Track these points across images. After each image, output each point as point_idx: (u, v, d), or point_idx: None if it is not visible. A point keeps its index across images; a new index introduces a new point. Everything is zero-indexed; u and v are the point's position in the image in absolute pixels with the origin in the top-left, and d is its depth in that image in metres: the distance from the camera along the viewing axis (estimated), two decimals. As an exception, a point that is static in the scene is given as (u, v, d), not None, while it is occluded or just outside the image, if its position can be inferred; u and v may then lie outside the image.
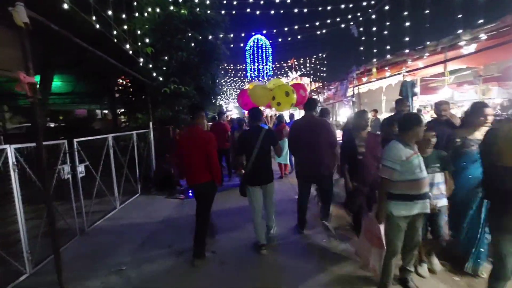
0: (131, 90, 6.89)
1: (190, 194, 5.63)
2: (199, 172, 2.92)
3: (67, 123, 10.34)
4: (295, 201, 3.94)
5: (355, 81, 7.86)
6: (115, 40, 4.41)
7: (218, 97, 9.50)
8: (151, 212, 4.65)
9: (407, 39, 6.68)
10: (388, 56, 6.21)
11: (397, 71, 6.52)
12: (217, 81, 7.14)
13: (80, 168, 3.68)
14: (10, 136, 8.74)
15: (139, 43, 5.04)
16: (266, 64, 31.77)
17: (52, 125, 9.94)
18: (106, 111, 11.38)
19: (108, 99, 8.63)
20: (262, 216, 3.20)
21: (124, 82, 7.62)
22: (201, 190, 3.03)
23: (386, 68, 6.51)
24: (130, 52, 4.52)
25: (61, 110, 11.79)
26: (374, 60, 6.78)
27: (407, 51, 5.64)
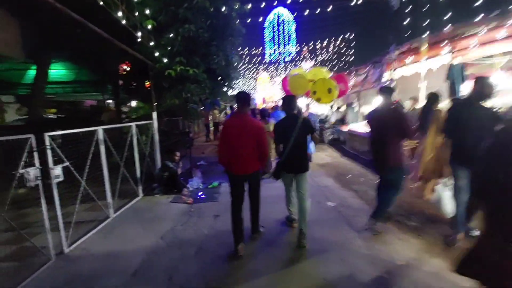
0: (132, 75, 6.00)
1: (202, 196, 4.77)
2: (250, 161, 2.88)
3: (72, 114, 9.66)
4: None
5: (393, 64, 6.63)
6: (107, 10, 3.48)
7: (233, 83, 8.47)
8: (151, 222, 3.78)
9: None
10: (447, 28, 4.95)
11: (453, 49, 5.26)
12: (231, 62, 6.10)
13: (56, 171, 2.81)
14: (10, 128, 8.16)
15: (137, 14, 4.09)
16: (288, 44, 29.30)
17: (54, 116, 9.30)
18: (110, 101, 10.65)
19: (112, 87, 7.83)
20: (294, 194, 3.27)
21: (128, 68, 6.76)
22: (251, 179, 2.99)
23: (442, 45, 5.25)
24: (124, 22, 3.56)
25: (68, 100, 11.16)
26: (425, 34, 5.51)
27: (479, 18, 4.39)
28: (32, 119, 6.71)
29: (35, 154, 2.57)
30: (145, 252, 2.99)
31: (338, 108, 10.68)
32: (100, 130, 3.57)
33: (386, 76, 6.97)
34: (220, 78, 5.54)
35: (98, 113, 9.21)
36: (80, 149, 3.47)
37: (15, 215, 3.89)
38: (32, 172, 2.49)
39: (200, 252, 2.94)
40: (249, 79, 25.23)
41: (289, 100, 3.30)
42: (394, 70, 6.49)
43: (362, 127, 8.07)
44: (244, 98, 2.96)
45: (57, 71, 8.00)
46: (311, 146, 5.55)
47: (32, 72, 6.46)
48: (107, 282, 2.47)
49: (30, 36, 6.09)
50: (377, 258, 2.68)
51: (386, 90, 3.26)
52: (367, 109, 9.15)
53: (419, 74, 6.15)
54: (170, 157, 5.10)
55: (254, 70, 25.06)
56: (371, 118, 3.36)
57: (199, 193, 4.95)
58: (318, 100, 4.26)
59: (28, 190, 2.71)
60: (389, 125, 2.99)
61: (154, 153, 5.36)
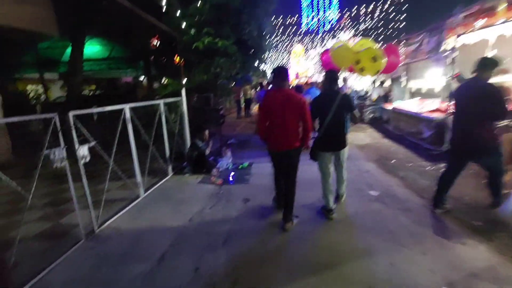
0: (162, 50, 5.77)
1: (232, 177, 4.57)
2: (292, 137, 2.79)
3: (110, 92, 9.93)
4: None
5: (457, 29, 5.51)
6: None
7: (265, 57, 7.92)
8: (179, 203, 3.68)
9: None
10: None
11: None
12: (264, 33, 5.55)
13: (82, 151, 2.72)
14: (53, 105, 8.65)
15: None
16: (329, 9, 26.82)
17: (92, 93, 9.64)
18: (142, 78, 10.73)
19: (144, 63, 7.77)
20: (332, 182, 3.18)
21: (157, 43, 6.56)
22: (291, 155, 2.86)
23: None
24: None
25: (105, 77, 11.50)
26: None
27: None
28: (71, 96, 6.95)
29: (60, 134, 2.46)
30: (173, 236, 2.87)
31: (382, 82, 9.58)
32: (126, 108, 3.42)
33: (446, 45, 5.88)
34: (252, 51, 5.06)
35: (133, 90, 9.33)
36: (109, 128, 3.39)
37: (53, 190, 4.10)
38: (57, 153, 2.39)
39: (229, 241, 2.74)
40: (282, 53, 24.00)
41: (332, 75, 3.11)
42: (458, 36, 5.40)
43: (410, 104, 7.14)
44: (283, 72, 2.87)
45: (92, 48, 8.12)
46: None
47: (70, 50, 6.56)
48: (134, 268, 2.38)
49: (64, 13, 6.11)
50: (435, 265, 2.24)
51: (487, 62, 2.76)
52: (417, 84, 8.05)
53: (487, 42, 5.04)
54: (199, 135, 4.92)
55: (288, 42, 23.71)
56: (458, 93, 3.01)
57: (229, 174, 4.76)
58: (361, 70, 3.83)
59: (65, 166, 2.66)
60: (481, 102, 2.66)
61: (184, 131, 5.22)
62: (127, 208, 3.48)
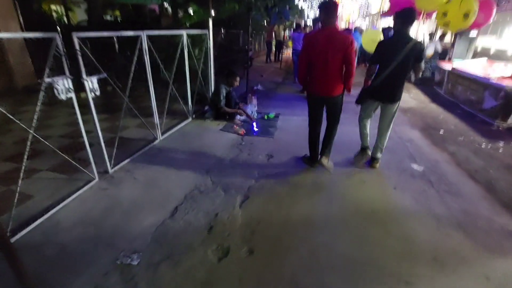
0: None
1: (255, 129, 4.19)
2: (334, 82, 2.62)
3: (133, 18, 9.17)
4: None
5: None
6: None
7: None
8: (197, 151, 3.41)
9: None
10: None
11: None
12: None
13: (92, 83, 2.36)
14: (75, 28, 8.15)
15: None
16: None
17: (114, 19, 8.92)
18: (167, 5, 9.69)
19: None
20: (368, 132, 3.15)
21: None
22: (332, 102, 2.76)
23: None
24: None
25: (130, 3, 10.57)
26: None
27: None
28: (91, 21, 6.43)
29: (64, 60, 2.08)
30: (189, 187, 2.66)
31: (443, 36, 8.02)
32: (144, 36, 2.91)
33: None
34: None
35: (157, 19, 8.54)
36: (131, 59, 2.95)
37: (73, 120, 3.96)
38: (61, 82, 2.04)
39: (247, 202, 2.49)
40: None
41: (409, 14, 2.61)
42: None
43: (475, 66, 5.96)
44: (332, 7, 2.49)
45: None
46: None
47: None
48: (146, 218, 2.22)
49: None
50: (490, 271, 1.87)
51: None
52: (487, 41, 6.63)
53: None
54: (229, 80, 4.36)
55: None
56: None
57: (253, 124, 4.36)
58: (446, 25, 3.30)
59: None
60: None
61: (208, 70, 4.69)
62: (143, 150, 3.27)
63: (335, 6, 2.51)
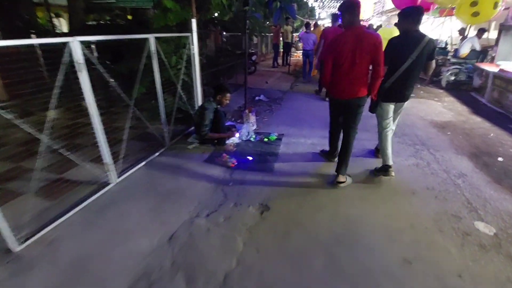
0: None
1: (249, 158, 3.22)
2: (359, 84, 2.46)
3: (115, 21, 8.25)
4: None
5: None
6: None
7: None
8: (164, 201, 2.44)
9: None
10: None
11: None
12: None
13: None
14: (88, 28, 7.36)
15: None
16: None
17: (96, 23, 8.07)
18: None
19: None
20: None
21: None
22: (355, 104, 2.53)
23: None
24: None
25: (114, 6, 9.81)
26: None
27: None
28: (71, 26, 5.69)
29: None
30: (135, 272, 1.71)
31: (481, 31, 6.74)
32: (74, 43, 1.98)
33: None
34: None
35: (145, 20, 7.66)
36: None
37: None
38: None
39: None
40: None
41: (419, 11, 2.57)
42: None
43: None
44: (356, 5, 2.36)
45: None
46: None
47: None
48: None
49: None
50: None
51: None
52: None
53: None
54: (217, 98, 3.40)
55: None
56: None
57: (248, 153, 3.38)
58: (475, 14, 3.41)
59: None
60: None
61: (194, 83, 3.75)
62: (84, 204, 2.32)
63: (358, 4, 2.39)
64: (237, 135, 3.68)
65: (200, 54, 5.19)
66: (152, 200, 2.45)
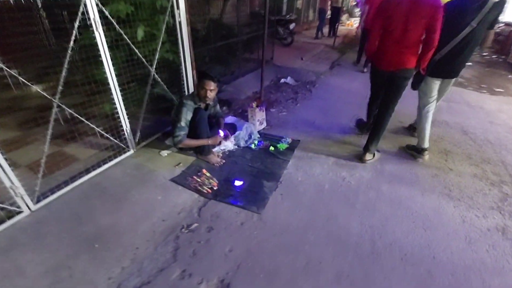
0: None
1: (237, 183, 2.25)
2: (409, 54, 2.20)
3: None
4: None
5: None
6: None
7: None
8: (77, 253, 1.63)
9: None
10: None
11: None
12: None
13: None
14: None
15: None
16: None
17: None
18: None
19: None
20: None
21: None
22: (401, 77, 2.28)
23: None
24: None
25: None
26: None
27: None
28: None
29: None
30: None
31: None
32: None
33: None
34: None
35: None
36: None
37: None
38: None
39: None
40: None
41: None
42: None
43: None
44: None
45: None
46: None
47: None
48: None
49: None
50: None
51: None
52: None
53: None
54: (197, 90, 2.35)
55: None
56: None
57: (240, 170, 2.38)
58: None
59: None
60: None
61: (181, 62, 2.74)
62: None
63: None
64: (229, 141, 2.67)
65: (216, 21, 4.09)
66: (65, 248, 1.66)
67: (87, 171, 2.19)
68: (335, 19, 8.49)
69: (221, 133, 2.56)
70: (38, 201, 1.87)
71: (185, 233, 1.81)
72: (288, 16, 7.26)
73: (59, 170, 2.25)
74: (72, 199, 2.01)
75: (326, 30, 9.23)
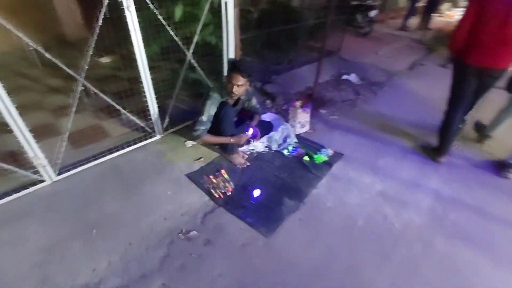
0: None
1: (255, 192, 1.99)
2: (506, 51, 1.95)
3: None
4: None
5: None
6: None
7: None
8: (71, 237, 1.62)
9: None
10: None
11: None
12: None
13: None
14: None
15: None
16: None
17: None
18: None
19: None
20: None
21: None
22: (494, 76, 2.04)
23: None
24: None
25: None
26: None
27: None
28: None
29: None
30: None
31: None
32: None
33: None
34: None
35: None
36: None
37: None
38: None
39: None
40: None
41: None
42: None
43: None
44: None
45: None
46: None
47: None
48: None
49: None
50: None
51: None
52: None
53: None
54: (226, 82, 2.05)
55: None
56: None
57: (263, 179, 2.10)
58: None
59: None
60: None
61: (224, 47, 2.51)
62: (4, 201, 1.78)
63: None
64: (258, 141, 2.38)
65: (277, 2, 3.71)
66: (67, 228, 1.67)
67: (111, 151, 2.20)
68: (432, 7, 7.02)
69: (250, 130, 2.28)
70: (60, 173, 1.94)
71: (181, 239, 1.65)
72: (369, 1, 6.27)
73: (91, 143, 2.33)
74: (89, 177, 2.05)
75: (415, 21, 7.75)
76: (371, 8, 6.14)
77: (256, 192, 1.97)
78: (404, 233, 1.74)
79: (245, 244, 1.64)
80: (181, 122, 2.63)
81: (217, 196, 1.94)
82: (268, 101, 3.08)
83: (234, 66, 1.93)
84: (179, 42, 2.17)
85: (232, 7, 2.34)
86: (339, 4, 4.88)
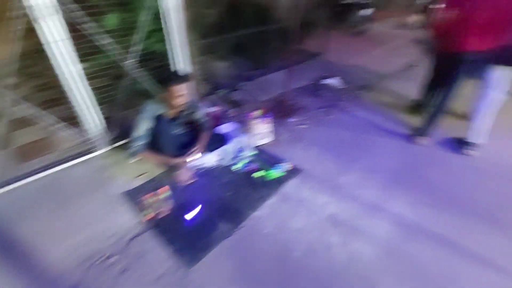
0: None
1: (188, 217, 1.82)
2: (492, 32, 2.00)
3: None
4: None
5: None
6: None
7: None
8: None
9: None
10: None
11: None
12: None
13: None
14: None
15: None
16: None
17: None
18: None
19: None
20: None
21: None
22: (481, 57, 2.11)
23: None
24: None
25: None
26: None
27: None
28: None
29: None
30: None
31: None
32: None
33: None
34: None
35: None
36: None
37: None
38: None
39: None
40: None
41: None
42: None
43: None
44: None
45: None
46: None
47: None
48: None
49: None
50: None
51: None
52: None
53: None
54: (162, 92, 1.88)
55: None
56: None
57: (207, 196, 1.93)
58: None
59: None
60: None
61: (170, 54, 2.36)
62: None
63: None
64: (211, 155, 2.21)
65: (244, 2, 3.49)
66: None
67: (52, 165, 2.10)
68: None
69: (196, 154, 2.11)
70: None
71: (99, 264, 1.52)
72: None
73: (35, 157, 2.24)
74: (28, 192, 1.96)
75: (416, 18, 7.30)
76: (365, 6, 5.82)
77: (191, 214, 1.81)
78: (347, 269, 1.52)
79: (161, 277, 1.48)
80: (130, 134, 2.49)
81: (148, 217, 1.79)
82: (231, 110, 2.90)
83: (170, 77, 1.78)
84: (114, 52, 2.04)
85: (178, 11, 2.18)
86: (324, 3, 4.63)
